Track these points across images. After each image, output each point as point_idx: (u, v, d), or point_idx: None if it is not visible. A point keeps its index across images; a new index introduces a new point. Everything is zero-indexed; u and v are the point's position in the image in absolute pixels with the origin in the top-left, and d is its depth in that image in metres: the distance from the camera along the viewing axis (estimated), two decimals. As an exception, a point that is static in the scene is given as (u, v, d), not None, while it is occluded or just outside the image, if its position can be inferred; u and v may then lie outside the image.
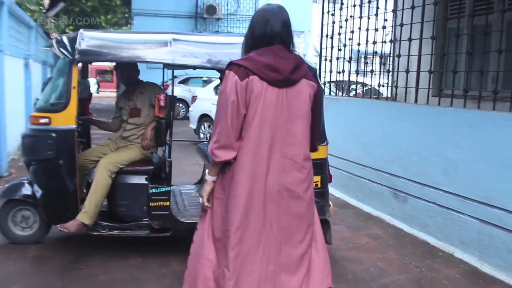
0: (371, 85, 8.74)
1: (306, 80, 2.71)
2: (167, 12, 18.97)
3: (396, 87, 6.03)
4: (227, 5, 19.71)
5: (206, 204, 2.75)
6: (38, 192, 4.07)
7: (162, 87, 4.59)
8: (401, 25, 5.69)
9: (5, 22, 8.11)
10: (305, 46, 22.31)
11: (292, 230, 2.71)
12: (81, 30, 3.97)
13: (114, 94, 30.59)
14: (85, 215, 4.01)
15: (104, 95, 30.93)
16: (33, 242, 4.41)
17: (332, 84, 8.13)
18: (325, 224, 4.33)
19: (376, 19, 6.31)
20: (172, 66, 4.07)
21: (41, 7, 15.71)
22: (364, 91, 8.64)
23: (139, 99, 4.48)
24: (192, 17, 19.56)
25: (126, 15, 24.58)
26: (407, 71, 5.64)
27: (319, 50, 20.45)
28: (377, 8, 6.30)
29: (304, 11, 21.39)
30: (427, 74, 5.30)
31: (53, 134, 3.91)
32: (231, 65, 2.65)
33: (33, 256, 4.20)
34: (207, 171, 2.77)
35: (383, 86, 6.80)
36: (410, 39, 5.48)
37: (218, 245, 2.73)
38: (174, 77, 4.13)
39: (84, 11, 23.12)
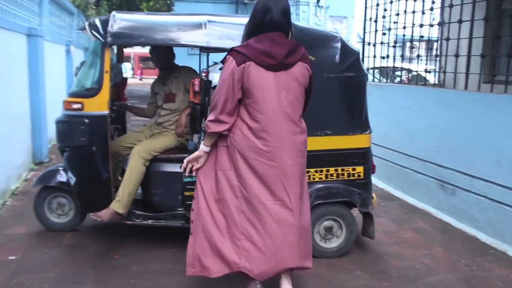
0: (416, 71, 8.37)
1: (302, 63, 3.01)
2: (207, -2, 18.88)
3: (445, 72, 5.69)
4: (268, -10, 19.39)
5: (187, 171, 3.09)
6: (72, 179, 3.99)
7: (200, 73, 4.43)
8: (450, 6, 5.34)
9: (46, 8, 8.16)
10: (348, 32, 21.82)
11: (294, 198, 2.98)
12: (113, 12, 3.84)
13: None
14: (118, 204, 3.91)
15: (147, 82, 31.27)
16: (69, 230, 4.38)
17: (376, 70, 7.80)
18: (367, 217, 4.12)
19: (423, 1, 5.98)
20: (207, 49, 3.90)
21: (84, -6, 15.84)
22: (410, 77, 8.29)
23: (174, 83, 4.34)
24: (232, 2, 19.37)
25: (168, 2, 24.59)
26: (457, 56, 5.30)
27: (361, 36, 20.00)
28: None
29: (348, -4, 20.93)
30: (477, 59, 4.96)
31: (86, 120, 3.80)
32: (232, 51, 2.95)
33: (68, 244, 4.15)
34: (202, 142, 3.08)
35: (429, 72, 6.44)
36: (460, 21, 5.13)
37: (217, 213, 3.01)
38: (214, 63, 3.98)
39: (127, -2, 23.26)
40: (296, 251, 3.00)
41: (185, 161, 3.11)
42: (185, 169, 3.13)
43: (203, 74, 4.05)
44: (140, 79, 36.19)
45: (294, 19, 3.92)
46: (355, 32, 22.21)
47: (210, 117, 2.97)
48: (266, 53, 2.88)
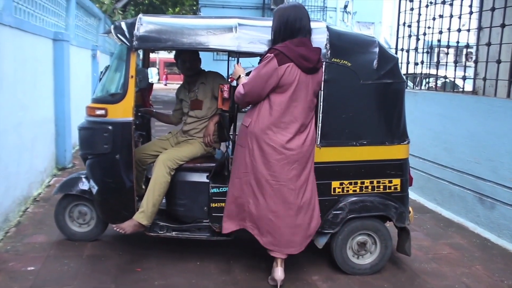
0: (448, 78, 8.09)
1: (321, 69, 3.49)
2: (234, 3, 18.79)
3: (485, 79, 5.41)
4: (295, -5, 19.27)
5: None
6: (94, 188, 3.86)
7: (227, 79, 4.25)
8: (492, 9, 5.08)
9: (73, 13, 8.13)
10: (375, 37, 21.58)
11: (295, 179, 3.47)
12: (140, 15, 3.68)
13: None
14: (143, 215, 3.75)
15: (172, 87, 31.40)
16: (90, 240, 4.25)
17: (409, 76, 7.54)
18: (404, 232, 3.89)
19: (461, 5, 5.72)
20: (237, 54, 3.71)
21: (112, 0, 15.91)
22: (440, 84, 8.01)
23: (200, 90, 4.16)
24: (259, 8, 19.29)
25: (194, 7, 24.66)
26: (499, 62, 5.02)
27: (389, 42, 19.66)
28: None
29: (375, 2, 20.68)
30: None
31: (110, 127, 3.65)
32: (273, 49, 3.34)
33: (89, 255, 4.01)
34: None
35: (464, 79, 6.17)
36: (503, 25, 4.86)
37: (237, 182, 3.53)
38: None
39: (153, 4, 23.42)
40: (293, 228, 3.49)
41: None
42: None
43: (230, 80, 3.88)
44: (165, 84, 36.40)
45: (329, 24, 3.74)
46: (382, 38, 21.94)
47: (241, 92, 3.41)
48: (304, 57, 3.31)
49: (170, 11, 24.70)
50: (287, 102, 3.34)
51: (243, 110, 3.85)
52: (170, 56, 36.71)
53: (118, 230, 3.73)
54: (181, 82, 4.44)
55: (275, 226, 3.45)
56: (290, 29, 3.36)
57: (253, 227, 3.52)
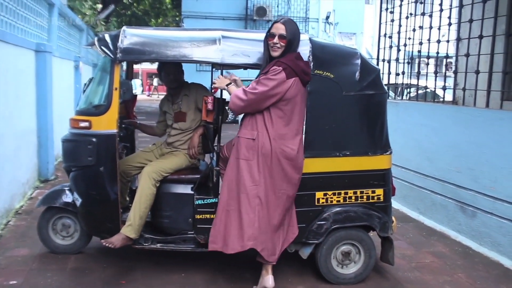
0: (429, 88, 8.23)
1: None
2: (216, 14, 18.84)
3: (464, 89, 5.50)
4: (277, 6, 19.40)
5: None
6: (78, 200, 3.83)
7: (211, 91, 4.27)
8: (470, 21, 5.19)
9: (55, 24, 8.10)
10: (357, 48, 21.80)
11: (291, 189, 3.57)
12: (124, 27, 3.69)
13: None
14: (130, 228, 3.73)
15: (155, 98, 31.32)
16: (74, 252, 4.22)
17: (390, 87, 7.65)
18: (387, 242, 3.93)
19: (440, 16, 5.84)
20: (221, 66, 3.74)
21: (94, 11, 15.88)
22: (419, 94, 8.14)
23: (184, 102, 4.17)
24: (242, 19, 19.34)
25: (177, 18, 24.68)
26: (477, 72, 5.12)
27: (371, 53, 19.85)
28: (441, 4, 5.82)
29: (357, 13, 20.92)
30: (495, 76, 4.77)
31: (94, 139, 3.64)
32: (280, 62, 3.37)
33: (72, 268, 3.98)
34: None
35: (444, 89, 6.26)
36: (481, 36, 4.97)
37: (243, 197, 3.47)
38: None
39: (136, 15, 23.40)
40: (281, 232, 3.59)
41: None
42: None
43: (213, 91, 3.90)
44: (148, 95, 36.27)
45: (311, 36, 3.79)
46: (364, 48, 22.16)
47: (238, 100, 3.42)
48: (305, 71, 3.43)
49: (153, 22, 24.68)
50: (291, 114, 3.43)
51: (227, 121, 3.86)
52: (153, 67, 36.68)
53: (107, 244, 3.70)
54: (165, 95, 4.45)
55: (273, 237, 3.51)
56: (297, 43, 3.50)
57: (256, 244, 3.45)
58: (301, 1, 19.86)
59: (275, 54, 3.43)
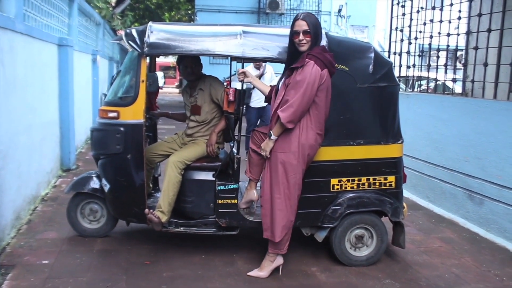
0: (439, 80, 8.35)
1: None
2: (229, 8, 18.92)
3: (473, 81, 5.66)
4: (290, 0, 19.47)
5: (268, 156, 3.65)
6: (106, 186, 4.07)
7: (224, 83, 4.46)
8: (479, 15, 5.34)
9: (75, 19, 8.32)
10: (369, 41, 21.80)
11: None
12: (150, 23, 3.90)
13: (177, 90, 31.17)
14: (162, 214, 4.01)
15: (167, 90, 31.50)
16: (100, 236, 4.45)
17: (402, 79, 7.81)
18: (398, 226, 4.12)
19: (450, 10, 5.98)
20: (242, 60, 3.95)
21: (108, 5, 16.08)
22: (431, 86, 8.27)
23: (199, 96, 4.34)
24: (254, 13, 19.40)
25: (190, 12, 24.81)
26: (486, 65, 5.29)
27: (383, 45, 19.79)
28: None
29: (369, 6, 20.91)
30: (505, 68, 4.94)
31: (122, 128, 3.87)
32: (311, 56, 3.48)
33: (99, 250, 4.22)
34: (272, 132, 3.59)
35: (454, 81, 6.41)
36: (489, 30, 5.12)
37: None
38: (236, 72, 4.00)
39: (149, 8, 23.55)
40: None
41: (265, 153, 3.66)
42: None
43: (225, 83, 4.10)
44: (161, 88, 36.45)
45: (327, 30, 3.98)
46: (376, 41, 22.17)
47: (290, 116, 3.46)
48: (332, 63, 3.54)
49: (166, 15, 24.85)
50: (325, 106, 3.61)
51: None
52: (166, 60, 36.84)
53: (152, 218, 3.99)
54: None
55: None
56: (320, 34, 3.65)
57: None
58: (313, -6, 19.91)
59: (303, 48, 3.57)
